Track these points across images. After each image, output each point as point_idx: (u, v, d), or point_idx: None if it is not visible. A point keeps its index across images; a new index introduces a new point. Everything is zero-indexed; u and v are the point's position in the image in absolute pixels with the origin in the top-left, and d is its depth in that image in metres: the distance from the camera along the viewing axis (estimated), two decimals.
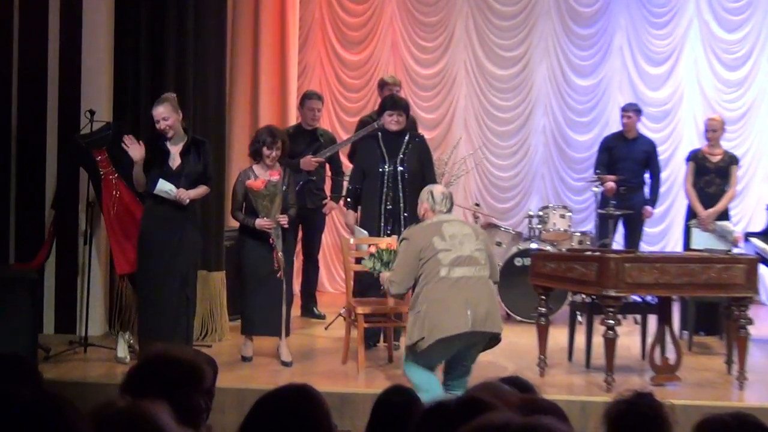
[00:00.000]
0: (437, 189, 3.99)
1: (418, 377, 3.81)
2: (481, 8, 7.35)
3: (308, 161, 5.47)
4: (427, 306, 3.74)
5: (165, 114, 4.43)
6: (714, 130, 5.84)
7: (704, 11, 7.29)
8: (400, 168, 4.92)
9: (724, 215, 5.80)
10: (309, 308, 5.96)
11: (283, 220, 4.60)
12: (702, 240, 5.59)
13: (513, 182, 7.54)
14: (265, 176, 4.57)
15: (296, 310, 5.80)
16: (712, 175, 5.84)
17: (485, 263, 3.82)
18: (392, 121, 4.91)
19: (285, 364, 4.73)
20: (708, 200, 5.82)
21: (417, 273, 3.79)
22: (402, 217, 4.92)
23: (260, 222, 4.54)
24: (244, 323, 4.81)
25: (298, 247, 5.65)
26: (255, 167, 4.74)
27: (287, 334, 4.75)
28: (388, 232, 4.88)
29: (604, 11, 7.32)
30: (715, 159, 5.87)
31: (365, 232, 4.80)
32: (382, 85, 5.93)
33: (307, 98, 5.73)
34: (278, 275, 4.53)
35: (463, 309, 3.72)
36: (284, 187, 4.61)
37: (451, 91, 7.46)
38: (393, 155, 4.95)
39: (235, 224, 5.29)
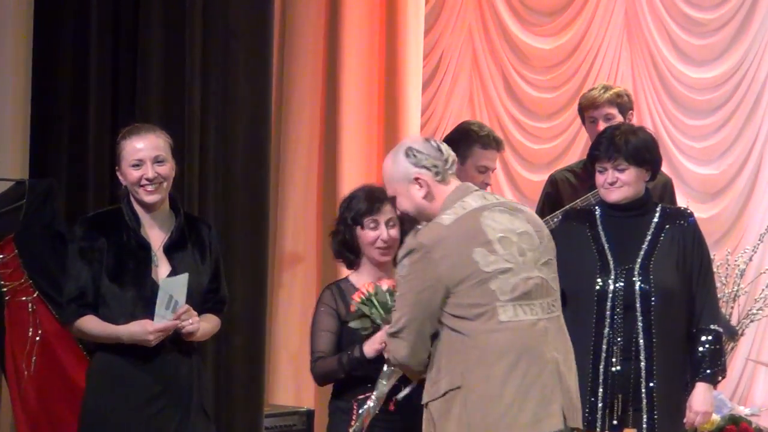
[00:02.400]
0: (417, 139, 3.75)
1: None
2: None
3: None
4: (474, 386, 3.42)
5: (158, 151, 4.04)
6: None
7: None
8: (639, 284, 4.38)
9: None
10: None
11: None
12: None
13: None
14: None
15: None
16: None
17: (557, 288, 3.62)
18: (606, 183, 4.46)
19: None
20: None
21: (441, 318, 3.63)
22: (642, 389, 4.33)
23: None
24: None
25: None
26: (353, 277, 4.33)
27: None
28: (615, 422, 4.34)
29: None
30: None
31: None
32: (588, 98, 5.40)
33: (476, 145, 5.14)
34: None
35: (550, 395, 3.45)
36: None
37: (754, 115, 6.75)
38: (625, 257, 4.45)
39: (286, 397, 5.84)
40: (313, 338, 4.33)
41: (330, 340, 4.23)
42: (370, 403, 4.02)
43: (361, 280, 4.29)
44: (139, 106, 5.01)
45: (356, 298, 4.11)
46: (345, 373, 4.17)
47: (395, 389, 4.06)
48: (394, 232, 4.23)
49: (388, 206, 4.23)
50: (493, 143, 5.31)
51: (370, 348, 4.08)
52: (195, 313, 4.16)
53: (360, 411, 4.10)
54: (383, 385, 4.04)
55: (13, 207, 4.58)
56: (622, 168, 4.45)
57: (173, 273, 4.15)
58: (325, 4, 6.43)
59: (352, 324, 4.09)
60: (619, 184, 4.47)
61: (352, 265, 4.33)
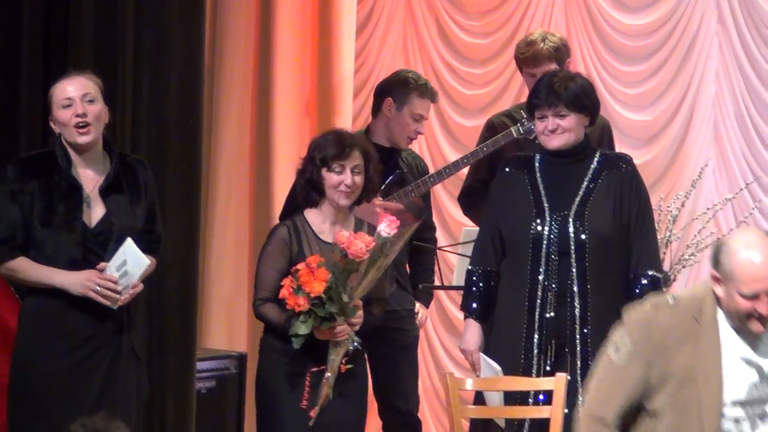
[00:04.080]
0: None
1: None
2: None
3: (368, 209, 5.02)
4: None
5: (87, 90, 4.12)
6: None
7: None
8: (572, 228, 4.53)
9: None
10: None
11: (357, 322, 4.41)
12: None
13: None
14: (330, 232, 4.45)
15: None
16: None
17: None
18: (546, 130, 4.54)
19: None
20: None
21: (634, 404, 3.40)
22: (576, 332, 4.50)
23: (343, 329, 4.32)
24: None
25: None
26: (310, 215, 4.48)
27: None
28: (547, 367, 4.51)
29: None
30: None
31: (497, 367, 4.50)
32: (521, 57, 5.53)
33: (413, 93, 5.36)
34: (310, 413, 4.26)
35: None
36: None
37: (688, 59, 6.83)
38: (563, 201, 4.57)
39: (221, 341, 5.87)
40: (260, 273, 4.50)
41: (277, 280, 4.37)
42: (328, 374, 4.30)
43: (318, 220, 4.48)
44: (72, 55, 4.95)
45: (301, 305, 4.20)
46: (284, 333, 4.35)
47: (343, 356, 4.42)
48: (359, 179, 4.41)
49: (356, 152, 4.42)
50: (429, 93, 5.45)
51: (324, 336, 4.31)
52: (139, 290, 4.24)
53: (316, 389, 4.29)
54: (334, 361, 4.31)
55: None
56: (563, 114, 4.51)
57: (107, 216, 4.16)
58: None
59: (299, 333, 4.19)
60: (560, 130, 4.53)
61: (314, 204, 4.48)
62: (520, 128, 5.14)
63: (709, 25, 6.91)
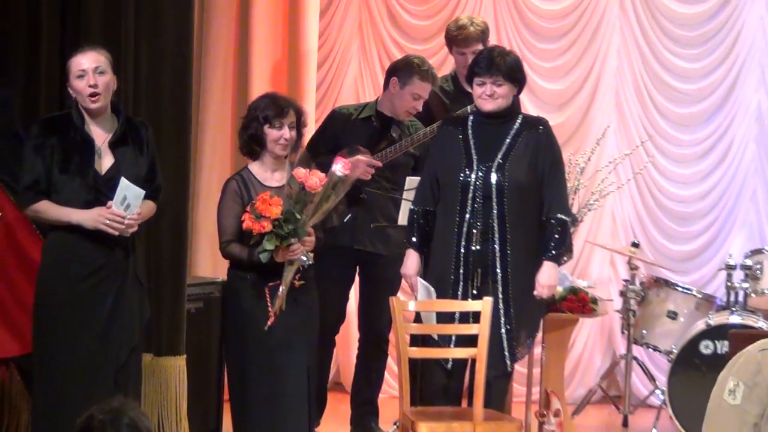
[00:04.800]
0: None
1: None
2: None
3: (358, 164, 5.30)
4: None
5: (98, 63, 4.36)
6: None
7: None
8: (495, 177, 4.84)
9: None
10: (365, 424, 5.84)
11: (310, 243, 4.64)
12: None
13: (701, 206, 7.18)
14: (274, 181, 4.71)
15: (339, 423, 5.95)
16: None
17: None
18: (484, 94, 4.84)
19: None
20: None
21: None
22: (497, 264, 4.81)
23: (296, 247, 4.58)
24: None
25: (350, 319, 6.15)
26: (254, 167, 4.77)
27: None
28: (473, 291, 4.81)
29: None
30: None
31: (432, 289, 4.82)
32: (454, 38, 5.83)
33: (416, 76, 5.56)
34: (267, 324, 4.58)
35: None
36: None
37: (594, 39, 7.13)
38: (488, 155, 4.90)
39: (206, 270, 5.88)
40: (221, 222, 4.75)
41: (235, 225, 4.66)
42: (282, 288, 4.56)
43: (261, 170, 4.73)
44: (83, 33, 5.04)
45: (267, 222, 4.47)
46: (249, 263, 4.66)
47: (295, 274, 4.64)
48: (293, 133, 4.69)
49: (291, 111, 4.69)
50: (430, 77, 5.62)
51: (282, 257, 4.57)
52: (142, 219, 4.46)
53: (275, 295, 4.59)
54: (287, 276, 4.58)
55: None
56: (500, 83, 4.82)
57: (116, 165, 4.39)
58: None
59: (264, 251, 4.46)
60: (495, 96, 4.83)
61: (256, 156, 4.77)
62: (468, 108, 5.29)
63: (612, 10, 7.09)
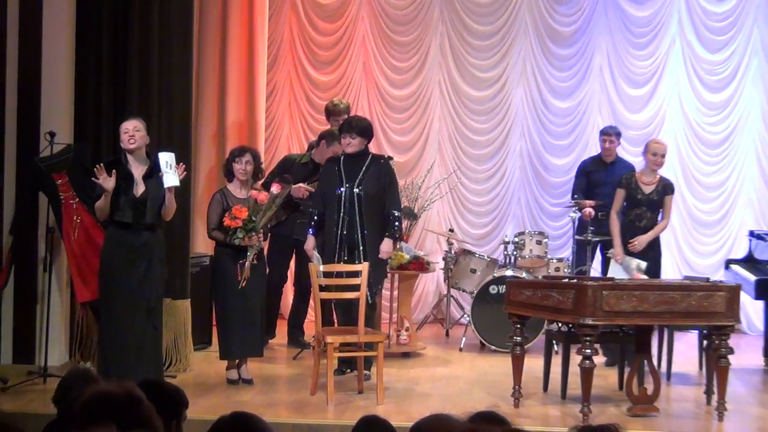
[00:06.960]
0: None
1: None
2: (456, 28, 7.45)
3: (299, 188, 5.63)
4: None
5: (139, 126, 4.52)
6: (662, 155, 5.67)
7: (687, 31, 7.36)
8: (356, 190, 5.06)
9: (655, 245, 5.71)
10: (296, 338, 6.12)
11: (260, 235, 4.86)
12: (615, 272, 5.53)
13: (488, 207, 7.60)
14: (241, 195, 4.87)
15: (282, 338, 6.18)
16: (643, 209, 5.71)
17: None
18: (346, 144, 5.06)
19: (246, 381, 5.00)
20: (639, 233, 5.74)
21: None
22: (359, 242, 5.06)
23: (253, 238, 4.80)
24: (225, 348, 5.00)
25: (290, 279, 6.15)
26: (230, 186, 4.96)
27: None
28: (345, 258, 5.02)
29: (584, 31, 7.39)
30: (648, 190, 5.68)
31: (318, 257, 4.98)
32: (331, 111, 6.23)
33: (336, 141, 5.69)
34: (240, 285, 4.77)
35: None
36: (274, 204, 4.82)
37: (425, 112, 7.55)
38: (351, 178, 5.08)
39: (202, 248, 5.90)
40: (209, 217, 5.05)
41: (218, 220, 4.96)
42: (246, 264, 4.90)
43: (233, 188, 5.04)
44: (127, 98, 5.28)
45: (239, 221, 4.68)
46: (226, 245, 4.98)
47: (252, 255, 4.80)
48: (250, 167, 5.01)
49: (248, 154, 5.03)
50: (340, 140, 5.44)
51: (247, 242, 4.87)
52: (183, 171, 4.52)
53: (242, 269, 4.91)
54: (249, 255, 4.92)
55: (66, 155, 5.11)
56: (354, 137, 5.18)
57: (146, 191, 4.60)
58: None
59: (237, 238, 4.73)
60: (352, 145, 5.19)
61: (231, 179, 5.08)
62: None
63: (435, 93, 7.41)
